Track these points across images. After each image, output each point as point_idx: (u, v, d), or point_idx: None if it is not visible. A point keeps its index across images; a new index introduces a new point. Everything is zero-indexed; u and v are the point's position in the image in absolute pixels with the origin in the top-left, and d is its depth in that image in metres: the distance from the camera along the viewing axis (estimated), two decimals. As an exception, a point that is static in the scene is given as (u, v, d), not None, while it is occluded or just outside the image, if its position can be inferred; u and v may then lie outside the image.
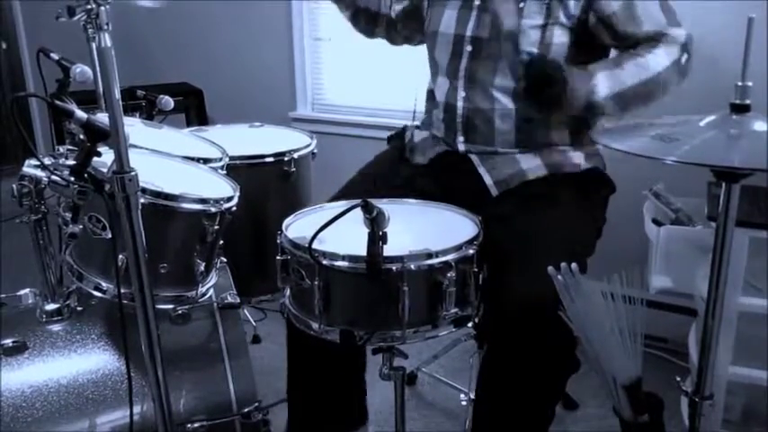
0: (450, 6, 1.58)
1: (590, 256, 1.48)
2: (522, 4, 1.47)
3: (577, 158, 1.56)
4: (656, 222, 1.86)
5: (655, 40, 1.46)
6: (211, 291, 1.45)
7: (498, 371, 1.41)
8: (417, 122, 1.75)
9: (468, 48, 1.54)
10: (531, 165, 1.54)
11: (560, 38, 1.48)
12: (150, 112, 1.81)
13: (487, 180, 1.54)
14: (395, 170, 1.68)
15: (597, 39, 1.51)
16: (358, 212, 1.11)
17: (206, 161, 1.55)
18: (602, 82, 1.41)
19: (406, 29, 1.83)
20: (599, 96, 1.41)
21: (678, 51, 1.46)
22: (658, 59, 1.44)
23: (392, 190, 1.55)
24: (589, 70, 1.43)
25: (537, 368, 1.35)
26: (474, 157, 1.57)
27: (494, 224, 1.36)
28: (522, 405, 1.41)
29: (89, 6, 0.99)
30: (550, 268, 1.17)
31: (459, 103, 1.57)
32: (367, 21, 1.84)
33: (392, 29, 1.85)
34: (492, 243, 1.30)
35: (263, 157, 1.79)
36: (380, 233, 1.11)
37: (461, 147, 1.59)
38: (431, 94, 1.69)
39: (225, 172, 1.55)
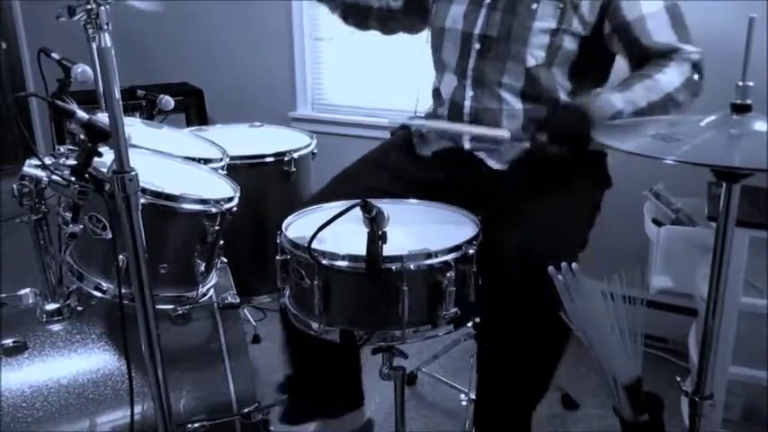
0: (458, 2, 1.58)
1: (587, 233, 1.49)
2: (535, 5, 1.46)
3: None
4: (657, 222, 1.86)
5: (666, 56, 1.45)
6: (211, 291, 1.45)
7: (497, 354, 1.42)
8: (422, 114, 1.76)
9: (477, 46, 1.54)
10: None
11: (569, 44, 1.48)
12: (150, 112, 1.81)
13: (494, 165, 1.56)
14: (399, 159, 1.68)
15: (609, 48, 1.50)
16: (357, 212, 1.11)
17: (206, 161, 1.55)
18: (616, 101, 1.40)
19: (406, 21, 1.82)
20: (617, 109, 1.39)
21: (690, 70, 1.44)
22: (669, 78, 1.42)
23: (396, 180, 1.56)
24: (600, 95, 1.42)
25: (534, 347, 1.36)
26: (481, 154, 1.58)
27: (495, 202, 1.37)
28: (520, 390, 1.41)
29: (89, 6, 0.99)
30: (551, 268, 1.17)
31: (467, 102, 1.57)
32: (357, 16, 1.85)
33: (386, 21, 1.84)
34: (491, 219, 1.31)
35: (263, 157, 1.79)
36: (380, 233, 1.11)
37: (467, 145, 1.60)
38: (436, 92, 1.69)
39: (225, 172, 1.55)
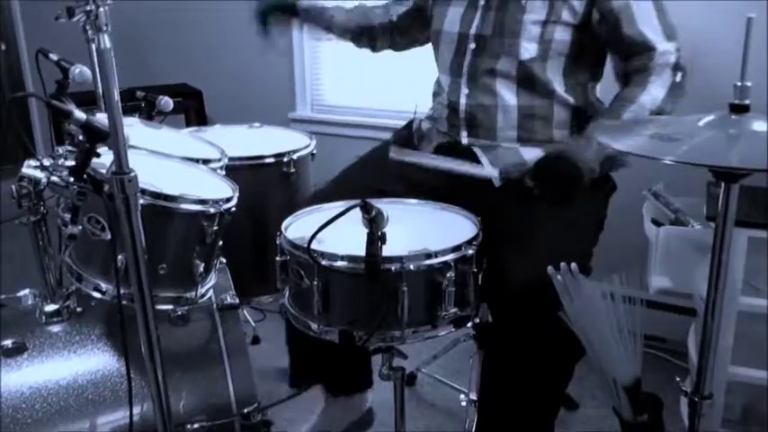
0: (456, 5, 1.61)
1: (592, 248, 1.48)
2: (524, 1, 1.49)
3: None
4: (656, 222, 1.86)
5: (646, 64, 1.47)
6: (211, 291, 1.45)
7: (501, 360, 1.41)
8: (422, 116, 1.76)
9: (472, 45, 1.56)
10: (534, 155, 1.54)
11: (561, 35, 1.49)
12: (150, 113, 1.81)
13: (489, 169, 1.54)
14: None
15: (598, 38, 1.52)
16: (357, 212, 1.11)
17: (205, 162, 1.55)
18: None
19: (408, 31, 1.85)
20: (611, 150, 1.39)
21: (671, 75, 1.47)
22: (653, 96, 1.45)
23: (395, 179, 1.56)
24: (592, 138, 1.42)
25: (540, 357, 1.35)
26: (477, 149, 1.59)
27: (497, 213, 1.37)
28: (526, 398, 1.41)
29: (88, 7, 0.98)
30: (550, 268, 1.17)
31: (462, 100, 1.59)
32: (369, 38, 1.88)
33: (394, 36, 1.87)
34: (492, 230, 1.31)
35: (262, 157, 1.79)
36: (379, 233, 1.11)
37: (465, 140, 1.61)
38: (437, 88, 1.71)
39: (224, 173, 1.55)
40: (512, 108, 1.55)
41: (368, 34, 1.88)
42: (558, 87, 1.54)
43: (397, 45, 1.91)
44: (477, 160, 1.57)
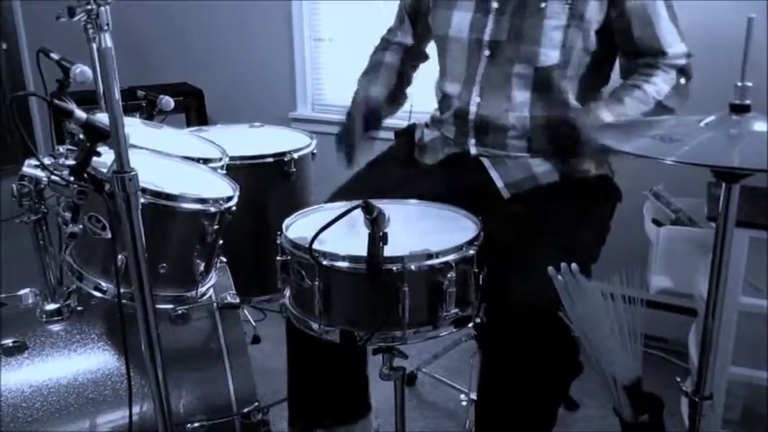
0: (461, 9, 1.55)
1: (594, 262, 1.47)
2: (543, 4, 1.45)
3: (587, 164, 1.56)
4: (656, 223, 1.86)
5: (652, 63, 1.48)
6: (211, 291, 1.45)
7: (500, 374, 1.41)
8: (426, 121, 1.74)
9: (486, 52, 1.52)
10: (543, 169, 1.53)
11: (584, 41, 1.47)
12: (151, 113, 1.81)
13: (499, 183, 1.53)
14: (403, 169, 1.67)
15: (612, 39, 1.50)
16: (358, 213, 1.11)
17: (206, 161, 1.55)
18: (607, 117, 1.41)
19: (423, 45, 1.81)
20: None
21: (675, 76, 1.48)
22: (657, 87, 1.46)
23: (400, 189, 1.54)
24: (593, 108, 1.44)
25: (538, 371, 1.35)
26: (485, 161, 1.56)
27: (502, 225, 1.36)
28: (524, 407, 1.40)
29: (89, 7, 0.99)
30: (550, 268, 1.17)
31: (473, 108, 1.55)
32: (410, 73, 1.84)
33: (417, 54, 1.83)
34: (498, 244, 1.30)
35: (263, 157, 1.79)
36: (381, 233, 1.11)
37: (473, 150, 1.58)
38: (444, 95, 1.66)
39: (225, 172, 1.55)
40: (525, 118, 1.52)
41: (407, 75, 1.82)
42: (573, 96, 1.52)
43: (425, 50, 1.84)
44: (485, 172, 1.55)
